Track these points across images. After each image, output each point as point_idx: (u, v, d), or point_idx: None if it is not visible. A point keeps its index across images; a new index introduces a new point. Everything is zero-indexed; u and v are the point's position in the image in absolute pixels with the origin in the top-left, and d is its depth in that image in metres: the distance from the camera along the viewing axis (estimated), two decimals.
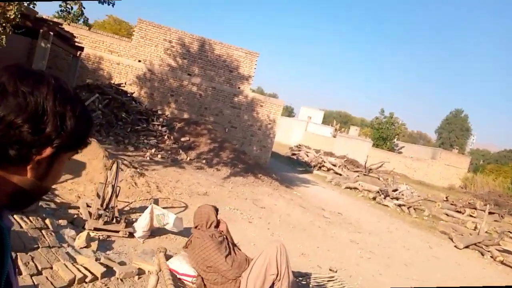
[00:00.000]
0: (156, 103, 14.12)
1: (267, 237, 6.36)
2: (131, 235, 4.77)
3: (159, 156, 9.34)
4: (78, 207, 5.09)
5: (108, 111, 10.02)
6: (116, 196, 5.05)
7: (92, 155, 6.34)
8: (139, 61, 14.21)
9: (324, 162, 21.90)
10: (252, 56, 15.02)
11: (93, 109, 9.71)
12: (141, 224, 4.81)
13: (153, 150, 9.57)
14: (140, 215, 5.08)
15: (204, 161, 10.10)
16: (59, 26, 8.37)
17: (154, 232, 5.02)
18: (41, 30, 7.64)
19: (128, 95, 11.07)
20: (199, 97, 14.54)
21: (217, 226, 3.35)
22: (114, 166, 5.03)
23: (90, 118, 0.75)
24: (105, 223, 4.60)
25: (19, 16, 6.10)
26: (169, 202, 6.49)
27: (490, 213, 17.23)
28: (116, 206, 5.06)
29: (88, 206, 5.13)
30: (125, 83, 12.69)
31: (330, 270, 4.41)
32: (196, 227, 3.30)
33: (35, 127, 0.65)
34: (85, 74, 13.40)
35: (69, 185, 5.73)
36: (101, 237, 4.47)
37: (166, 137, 10.62)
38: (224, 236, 3.39)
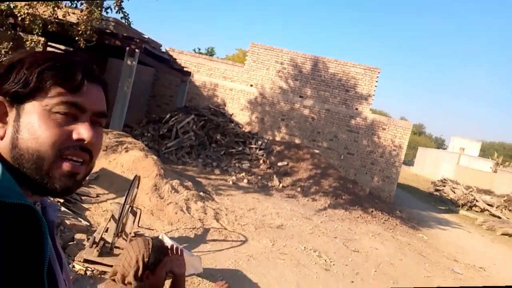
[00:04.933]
0: (266, 128, 13.36)
1: None
2: None
3: (245, 181, 8.29)
4: (94, 231, 4.29)
5: (202, 132, 9.54)
6: (136, 220, 4.09)
7: (145, 173, 5.64)
8: (251, 85, 13.79)
9: (477, 200, 17.71)
10: (372, 73, 13.10)
11: (187, 131, 9.36)
12: None
13: (242, 174, 8.60)
14: None
15: (299, 189, 8.64)
16: (149, 44, 8.32)
17: None
18: (127, 48, 7.63)
19: (227, 116, 10.48)
20: (312, 120, 13.21)
21: (145, 277, 1.86)
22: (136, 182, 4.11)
23: (57, 67, 0.68)
24: (103, 254, 3.62)
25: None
26: (222, 234, 5.27)
27: None
28: (132, 234, 4.08)
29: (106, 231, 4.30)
30: (225, 105, 12.26)
31: None
32: (114, 275, 1.94)
33: None
34: (201, 101, 13.56)
35: (106, 205, 5.06)
36: (89, 272, 3.49)
37: (261, 161, 9.57)
38: None
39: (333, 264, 5.31)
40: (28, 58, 0.68)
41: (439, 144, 54.76)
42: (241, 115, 13.16)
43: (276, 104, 13.52)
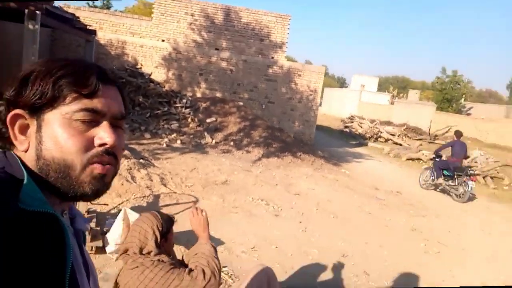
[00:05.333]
0: (185, 85, 13.03)
1: (297, 235, 4.95)
2: (100, 249, 3.62)
3: (179, 141, 8.21)
4: None
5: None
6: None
7: None
8: (163, 40, 13.15)
9: (381, 132, 19.75)
10: (284, 20, 13.31)
11: None
12: (114, 235, 3.65)
13: (173, 136, 8.46)
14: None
15: (232, 143, 8.82)
16: (50, 5, 7.39)
17: None
18: (26, 10, 6.70)
19: (146, 77, 9.99)
20: (230, 72, 13.20)
21: (161, 245, 2.02)
22: None
23: (71, 74, 0.69)
24: None
25: None
26: (173, 198, 5.29)
27: None
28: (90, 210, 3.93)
29: None
30: (142, 65, 11.66)
31: None
32: (125, 253, 2.00)
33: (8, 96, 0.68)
34: (109, 61, 12.61)
35: None
36: None
37: (190, 119, 9.46)
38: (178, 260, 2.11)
39: (281, 210, 5.71)
40: (40, 68, 0.68)
41: (342, 83, 58.55)
42: (157, 73, 12.60)
43: (192, 59, 13.17)
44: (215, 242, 4.21)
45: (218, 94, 12.95)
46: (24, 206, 0.60)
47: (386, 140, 19.20)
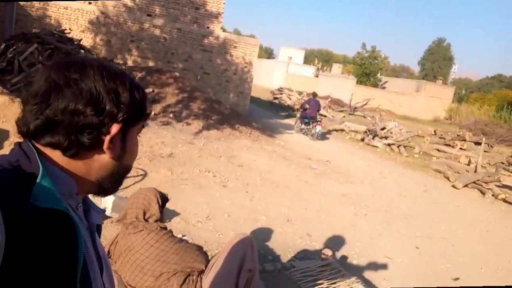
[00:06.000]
0: (115, 51, 12.44)
1: (245, 204, 5.32)
2: None
3: None
4: None
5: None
6: None
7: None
8: (90, 3, 12.28)
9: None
10: None
11: (33, 63, 8.15)
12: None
13: None
14: None
15: (171, 115, 8.81)
16: None
17: None
18: None
19: (75, 43, 9.40)
20: (164, 41, 12.84)
21: (160, 220, 2.23)
22: None
23: (141, 88, 0.79)
24: None
25: None
26: None
27: (476, 143, 16.71)
28: None
29: None
30: (70, 29, 10.90)
31: (324, 255, 3.41)
32: (123, 219, 2.17)
33: (96, 108, 0.69)
34: (29, 23, 11.51)
35: None
36: None
37: None
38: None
39: (227, 181, 6.01)
40: (122, 86, 0.74)
41: (269, 54, 59.27)
42: (83, 38, 11.83)
43: (123, 24, 12.54)
44: (171, 214, 4.43)
45: (151, 63, 12.59)
46: (36, 203, 0.61)
47: None
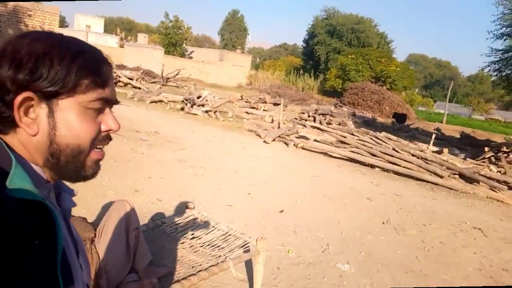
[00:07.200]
0: None
1: (88, 182, 5.23)
2: None
3: None
4: None
5: None
6: None
7: None
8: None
9: (120, 76, 19.95)
10: None
11: None
12: None
13: None
14: None
15: None
16: None
17: None
18: None
19: None
20: None
21: None
22: None
23: (89, 63, 0.68)
24: None
25: None
26: None
27: (275, 104, 19.65)
28: None
29: None
30: None
31: (188, 208, 3.89)
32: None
33: (12, 73, 0.62)
34: None
35: None
36: None
37: None
38: None
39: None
40: (54, 50, 0.65)
41: (62, 22, 52.66)
42: None
43: None
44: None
45: None
46: (12, 194, 0.59)
47: (126, 84, 19.64)
